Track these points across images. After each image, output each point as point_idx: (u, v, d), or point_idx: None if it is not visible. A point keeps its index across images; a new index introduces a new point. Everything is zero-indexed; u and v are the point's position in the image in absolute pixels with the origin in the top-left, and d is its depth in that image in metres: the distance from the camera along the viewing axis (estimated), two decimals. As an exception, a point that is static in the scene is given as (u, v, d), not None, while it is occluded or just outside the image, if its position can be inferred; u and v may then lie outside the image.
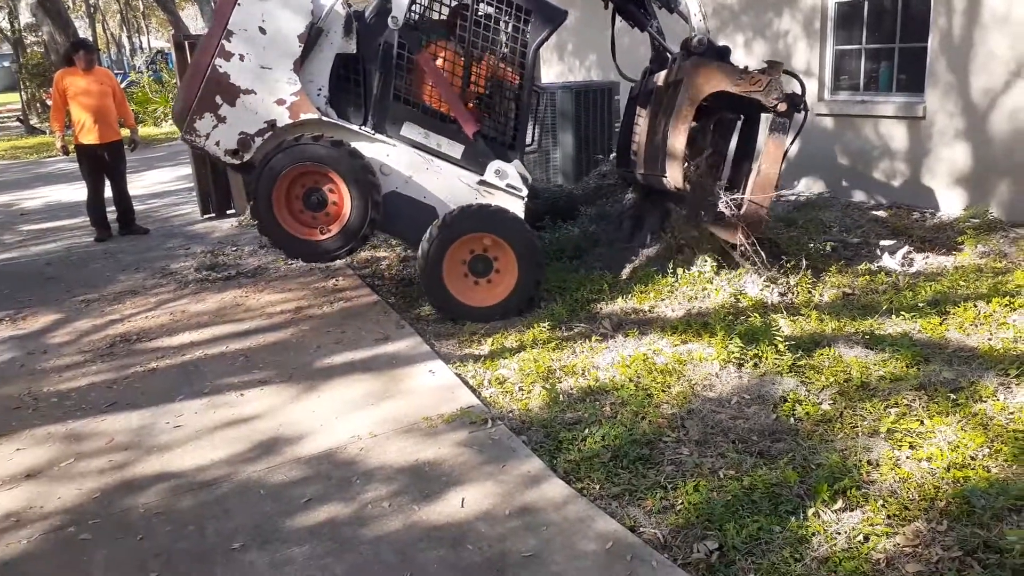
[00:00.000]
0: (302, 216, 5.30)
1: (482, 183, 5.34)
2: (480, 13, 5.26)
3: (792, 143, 5.40)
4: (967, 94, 6.54)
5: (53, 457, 3.86)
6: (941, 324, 4.47)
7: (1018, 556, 2.47)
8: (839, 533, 2.85)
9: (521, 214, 5.31)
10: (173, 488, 3.50)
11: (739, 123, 6.03)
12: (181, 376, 4.71)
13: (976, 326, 4.42)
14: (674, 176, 5.35)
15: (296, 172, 5.15)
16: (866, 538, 2.81)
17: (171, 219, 9.45)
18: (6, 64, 46.97)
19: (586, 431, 3.71)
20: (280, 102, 5.19)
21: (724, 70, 5.22)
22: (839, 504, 3.01)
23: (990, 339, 4.25)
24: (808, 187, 8.03)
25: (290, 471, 3.57)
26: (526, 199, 5.34)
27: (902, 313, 4.63)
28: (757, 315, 4.70)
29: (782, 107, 5.06)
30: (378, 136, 5.33)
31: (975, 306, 4.62)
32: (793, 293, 5.14)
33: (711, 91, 5.26)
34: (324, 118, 5.25)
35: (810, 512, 2.97)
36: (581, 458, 3.49)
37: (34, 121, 24.25)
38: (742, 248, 5.25)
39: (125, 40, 40.58)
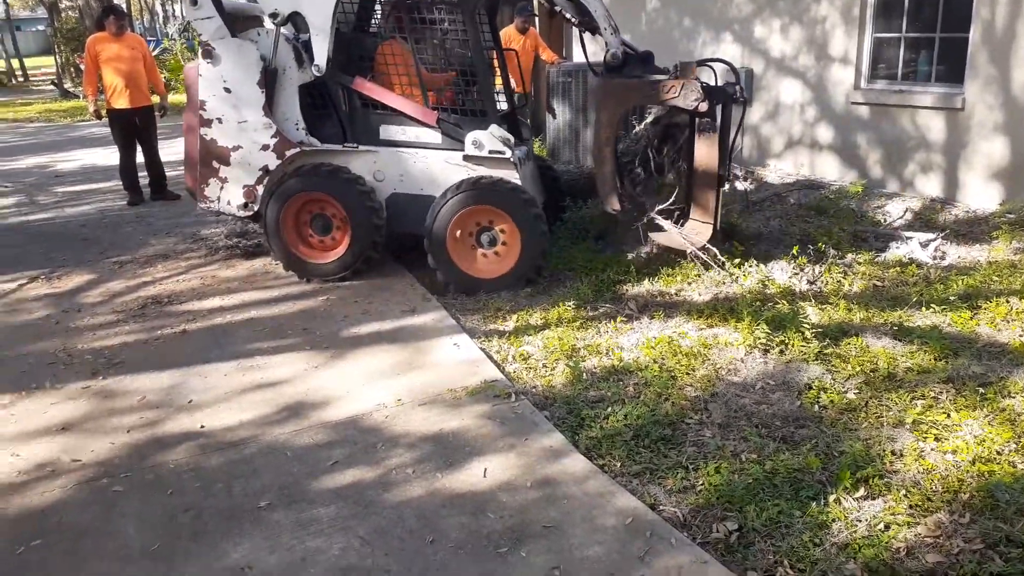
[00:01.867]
0: (309, 239, 5.72)
1: (467, 158, 5.43)
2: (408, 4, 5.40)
3: (737, 132, 5.38)
4: (1008, 87, 6.41)
5: (86, 412, 3.96)
6: (972, 318, 4.43)
7: (1041, 550, 2.47)
8: (860, 520, 2.86)
9: (516, 180, 5.36)
10: (202, 446, 3.58)
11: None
12: (211, 339, 4.79)
13: (1008, 322, 4.37)
14: (608, 201, 5.41)
15: (300, 202, 5.58)
16: (887, 527, 2.81)
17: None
18: (41, 28, 47.45)
19: (609, 409, 3.73)
20: (265, 147, 5.58)
21: (632, 86, 5.20)
22: (861, 492, 3.01)
23: (1021, 336, 4.20)
24: (841, 176, 7.93)
25: (316, 435, 3.63)
26: (515, 160, 5.38)
27: (932, 306, 4.58)
28: (785, 302, 4.68)
29: (703, 107, 5.02)
30: (362, 147, 5.60)
31: (1007, 302, 4.56)
32: (822, 282, 5.10)
33: (625, 109, 5.31)
34: (306, 148, 5.57)
35: (831, 499, 2.98)
36: (603, 435, 3.52)
37: (68, 85, 24.53)
38: (692, 254, 5.32)
39: (158, 7, 40.82)
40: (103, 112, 8.27)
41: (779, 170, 8.54)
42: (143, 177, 8.62)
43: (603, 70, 5.36)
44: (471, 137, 5.37)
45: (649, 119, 5.50)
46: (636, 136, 5.53)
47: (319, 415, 3.82)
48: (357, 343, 4.66)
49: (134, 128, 8.31)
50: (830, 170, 8.10)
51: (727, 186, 5.71)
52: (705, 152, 5.14)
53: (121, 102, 8.09)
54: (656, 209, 5.36)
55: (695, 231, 5.30)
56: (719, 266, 5.26)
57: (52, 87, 25.76)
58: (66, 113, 18.65)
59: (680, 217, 5.42)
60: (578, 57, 11.70)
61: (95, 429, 3.78)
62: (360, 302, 5.32)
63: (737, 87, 5.19)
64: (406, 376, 4.21)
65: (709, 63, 5.53)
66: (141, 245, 6.93)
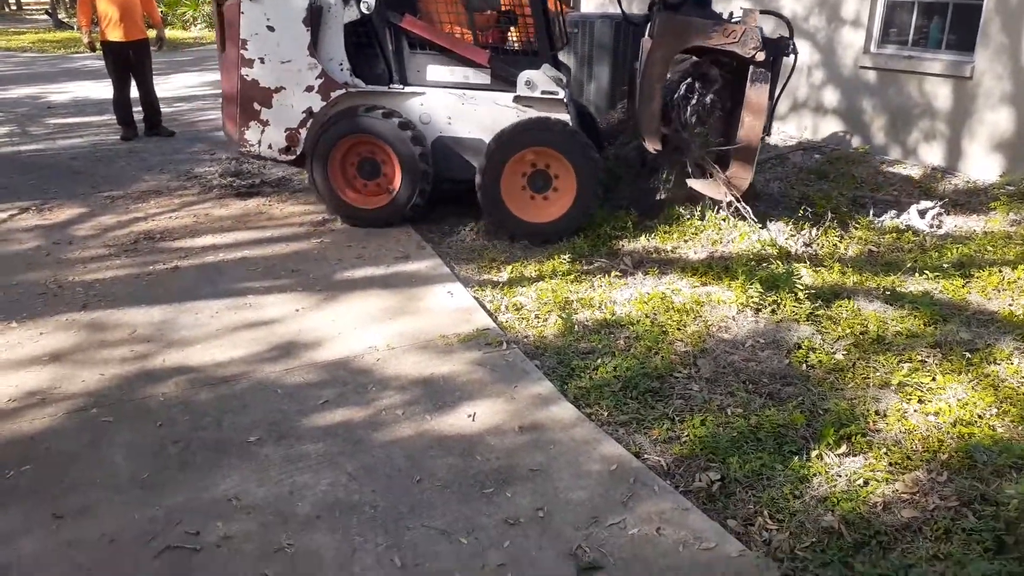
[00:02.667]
0: (356, 183, 5.59)
1: (518, 99, 5.31)
2: None
3: (782, 89, 5.29)
4: (1018, 57, 6.35)
5: (76, 343, 3.96)
6: (964, 286, 4.45)
7: (1013, 510, 2.52)
8: (840, 476, 2.91)
9: (568, 120, 5.27)
10: (192, 381, 3.59)
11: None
12: (203, 276, 4.78)
13: (999, 291, 4.40)
14: (650, 139, 5.32)
15: (347, 144, 5.41)
16: (866, 482, 2.86)
17: (197, 123, 9.42)
18: (36, -44, 46.23)
19: (599, 361, 3.76)
20: (309, 89, 5.39)
21: (694, 25, 5.08)
22: (843, 449, 3.06)
23: (1011, 305, 4.23)
24: (844, 141, 7.88)
25: (307, 374, 3.65)
26: (567, 101, 5.28)
27: (926, 272, 4.60)
28: (779, 263, 4.69)
29: (760, 57, 4.94)
30: (407, 89, 5.43)
31: (1000, 271, 4.58)
32: (818, 244, 5.10)
33: (683, 48, 5.19)
34: (352, 90, 5.40)
35: (813, 454, 3.03)
36: (592, 385, 3.55)
37: (62, 15, 24.03)
38: (728, 204, 5.25)
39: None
40: (97, 44, 8.11)
41: (782, 132, 8.48)
42: (137, 112, 8.49)
43: (661, 6, 5.25)
44: (524, 77, 5.24)
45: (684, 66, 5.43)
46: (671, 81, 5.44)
47: (310, 355, 3.84)
48: (350, 287, 4.66)
49: (128, 61, 8.15)
50: (833, 134, 8.05)
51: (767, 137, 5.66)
52: (755, 102, 5.06)
53: (115, 34, 7.93)
54: (703, 153, 5.27)
55: (737, 179, 5.23)
56: (752, 220, 5.22)
57: (46, 17, 25.20)
58: (60, 44, 18.30)
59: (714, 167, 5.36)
60: (585, 7, 11.49)
61: (85, 360, 3.78)
62: (354, 246, 5.30)
63: (791, 42, 5.12)
64: (398, 321, 4.21)
65: (768, 14, 5.42)
66: (134, 180, 6.87)
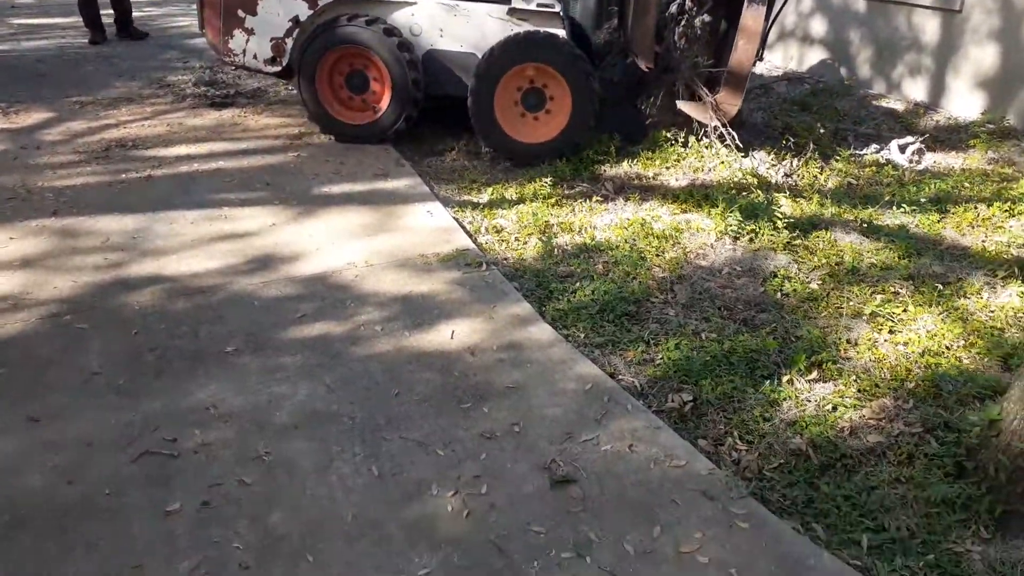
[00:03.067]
0: (344, 97, 5.40)
1: (512, 11, 5.15)
2: None
3: (776, 15, 5.18)
4: (1010, -8, 6.26)
5: (47, 249, 3.88)
6: (939, 221, 4.49)
7: (975, 436, 2.61)
8: (809, 401, 2.98)
9: (563, 34, 5.13)
10: (168, 290, 3.55)
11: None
12: (177, 186, 4.67)
13: (973, 227, 4.45)
14: (643, 56, 5.19)
15: (336, 55, 5.21)
16: (835, 408, 2.94)
17: (168, 30, 9.05)
18: None
19: (577, 284, 3.77)
20: None
21: None
22: (813, 375, 3.12)
23: (984, 241, 4.29)
24: (829, 72, 7.80)
25: (284, 287, 3.62)
26: (563, 15, 5.14)
27: (903, 206, 4.63)
28: (760, 192, 4.69)
29: None
30: None
31: (975, 208, 4.63)
32: (798, 175, 5.10)
33: None
34: None
35: (784, 379, 3.09)
36: (569, 308, 3.57)
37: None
38: (714, 128, 5.20)
39: None
40: None
41: (768, 61, 8.37)
42: (107, 15, 8.12)
43: None
44: None
45: None
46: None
47: (287, 269, 3.80)
48: (327, 202, 4.59)
49: None
50: (820, 64, 7.96)
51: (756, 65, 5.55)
52: (750, 26, 4.94)
53: None
54: (693, 74, 5.18)
55: (726, 104, 5.16)
56: (737, 147, 5.18)
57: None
58: (20, -60, 17.29)
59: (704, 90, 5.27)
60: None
61: (56, 267, 3.72)
62: (331, 161, 5.20)
63: None
64: (377, 238, 4.18)
65: None
66: (103, 87, 6.62)
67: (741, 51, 5.00)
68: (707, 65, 5.27)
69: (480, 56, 5.13)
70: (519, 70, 5.08)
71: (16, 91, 6.33)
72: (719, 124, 5.19)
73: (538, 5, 5.09)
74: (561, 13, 5.12)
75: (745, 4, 4.93)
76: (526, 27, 5.15)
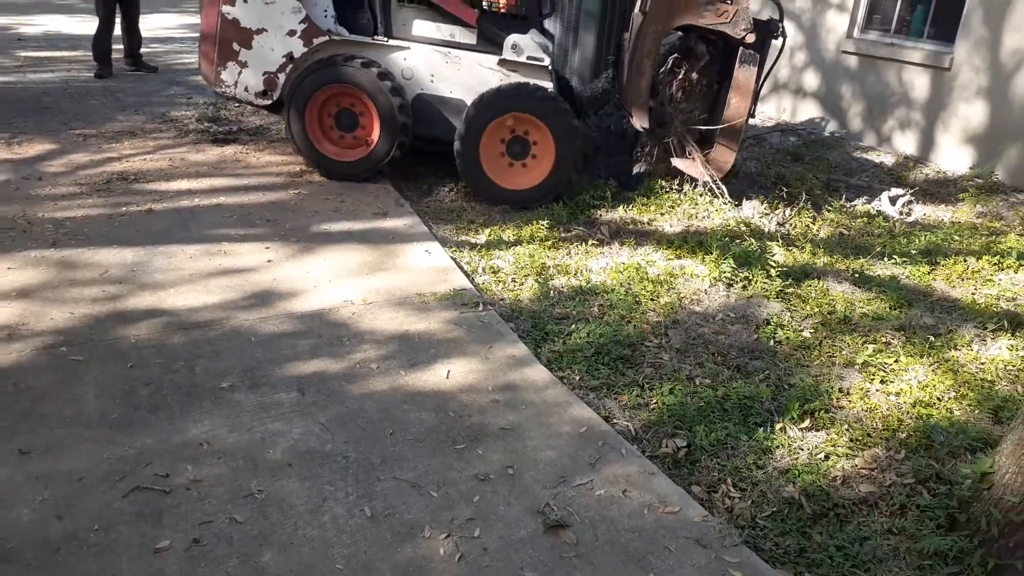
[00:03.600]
0: (333, 135, 5.51)
1: (503, 63, 5.27)
2: None
3: (769, 72, 5.33)
4: (997, 52, 6.44)
5: (46, 280, 3.89)
6: (929, 273, 4.56)
7: (967, 489, 2.62)
8: (802, 449, 3.00)
9: (551, 87, 5.23)
10: (165, 324, 3.56)
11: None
12: (177, 221, 4.71)
13: (963, 280, 4.52)
14: (638, 115, 5.32)
15: (327, 94, 5.33)
16: (827, 456, 2.96)
17: (174, 66, 9.18)
18: None
19: (573, 327, 3.80)
20: (291, 33, 5.31)
21: (689, 3, 5.06)
22: (806, 423, 3.14)
23: (974, 293, 4.35)
24: (821, 125, 7.96)
25: (281, 324, 3.64)
26: (551, 68, 5.26)
27: (894, 257, 4.70)
28: (753, 240, 4.75)
29: (750, 38, 4.97)
30: (391, 42, 5.36)
31: (965, 261, 4.70)
32: (791, 224, 5.18)
33: (675, 25, 5.19)
34: (335, 37, 5.31)
35: (778, 427, 3.11)
36: (565, 350, 3.59)
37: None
38: (704, 184, 5.31)
39: None
40: None
41: (761, 112, 8.53)
42: (115, 51, 8.25)
43: None
44: (511, 40, 5.19)
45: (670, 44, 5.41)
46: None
47: (285, 305, 3.82)
48: (326, 239, 4.62)
49: None
50: (811, 118, 8.12)
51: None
52: (743, 83, 5.07)
53: None
54: (685, 130, 5.28)
55: (718, 161, 5.27)
56: (728, 201, 5.27)
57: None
58: (29, -25, 17.58)
59: (697, 145, 5.37)
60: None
61: (54, 298, 3.72)
62: (331, 199, 5.25)
63: (780, 25, 5.12)
64: (374, 276, 4.21)
65: None
66: (107, 120, 6.69)
67: (734, 108, 5.12)
68: (700, 120, 5.38)
69: (469, 103, 5.24)
70: (505, 119, 5.20)
71: (21, 122, 6.39)
72: (710, 179, 5.28)
73: (528, 58, 5.22)
74: (550, 67, 5.23)
75: (737, 63, 5.06)
76: (516, 78, 5.28)
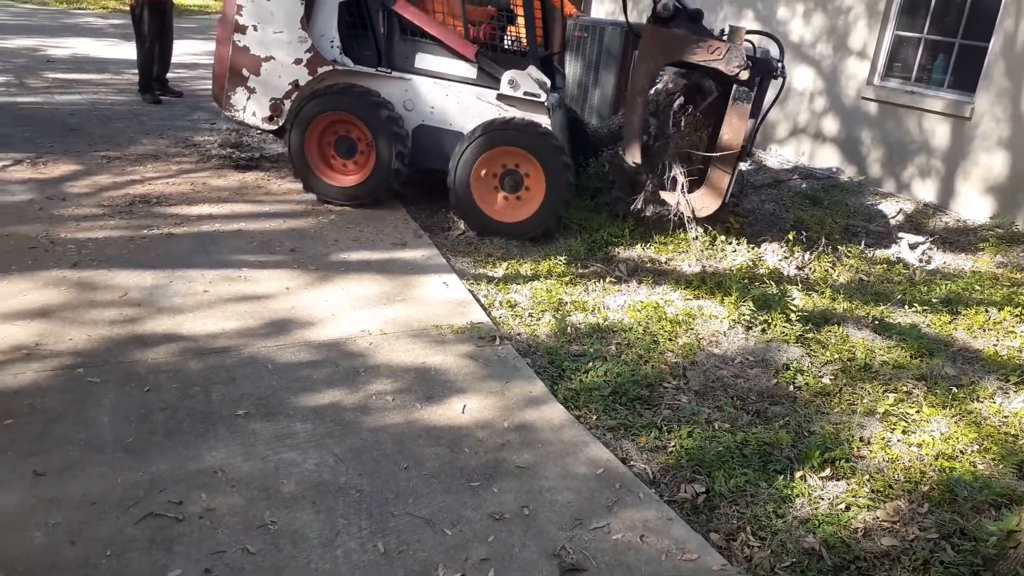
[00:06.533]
0: (331, 161, 5.65)
1: (500, 97, 5.34)
2: None
3: (766, 112, 5.34)
4: (1018, 102, 6.45)
5: (65, 300, 3.90)
6: (951, 323, 4.52)
7: (992, 546, 2.56)
8: (822, 499, 2.94)
9: (547, 124, 5.29)
10: (182, 350, 3.55)
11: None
12: (198, 245, 4.73)
13: (984, 330, 4.47)
14: (630, 151, 5.34)
15: (327, 120, 5.47)
16: (848, 507, 2.90)
17: (198, 92, 9.31)
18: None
19: (590, 364, 3.77)
20: (297, 62, 5.49)
21: (678, 40, 5.09)
22: (827, 472, 3.09)
23: (996, 345, 4.30)
24: (839, 169, 7.96)
25: (298, 352, 3.63)
26: (548, 105, 5.31)
27: (914, 305, 4.66)
28: (772, 283, 4.73)
29: (743, 75, 4.97)
30: (395, 74, 5.50)
31: (986, 311, 4.66)
32: (810, 269, 5.16)
33: (668, 62, 5.24)
34: (339, 67, 5.48)
35: (798, 475, 3.06)
36: (582, 388, 3.56)
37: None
38: (688, 220, 5.34)
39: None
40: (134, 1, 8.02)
41: (779, 155, 8.55)
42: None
43: (651, 19, 5.25)
44: (508, 76, 5.28)
45: (668, 82, 5.44)
46: (657, 93, 5.46)
47: (303, 334, 3.81)
48: (345, 268, 4.63)
49: (164, 20, 8.15)
50: (830, 162, 8.13)
51: (746, 163, 5.67)
52: (734, 123, 5.08)
53: None
54: (674, 172, 5.30)
55: (702, 203, 5.28)
56: (705, 241, 5.26)
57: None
58: (61, -1, 17.98)
59: (693, 183, 5.37)
60: (596, 12, 11.52)
61: (73, 319, 3.73)
62: (351, 229, 5.28)
63: (779, 64, 5.14)
64: (392, 307, 4.20)
65: (758, 33, 5.43)
66: (131, 142, 6.78)
67: (723, 148, 5.10)
68: (699, 157, 5.37)
69: (463, 138, 5.33)
70: (495, 153, 5.24)
71: (47, 142, 6.48)
72: (688, 214, 5.27)
73: (524, 93, 5.29)
74: (547, 104, 5.29)
75: (731, 100, 5.08)
76: (513, 112, 5.34)
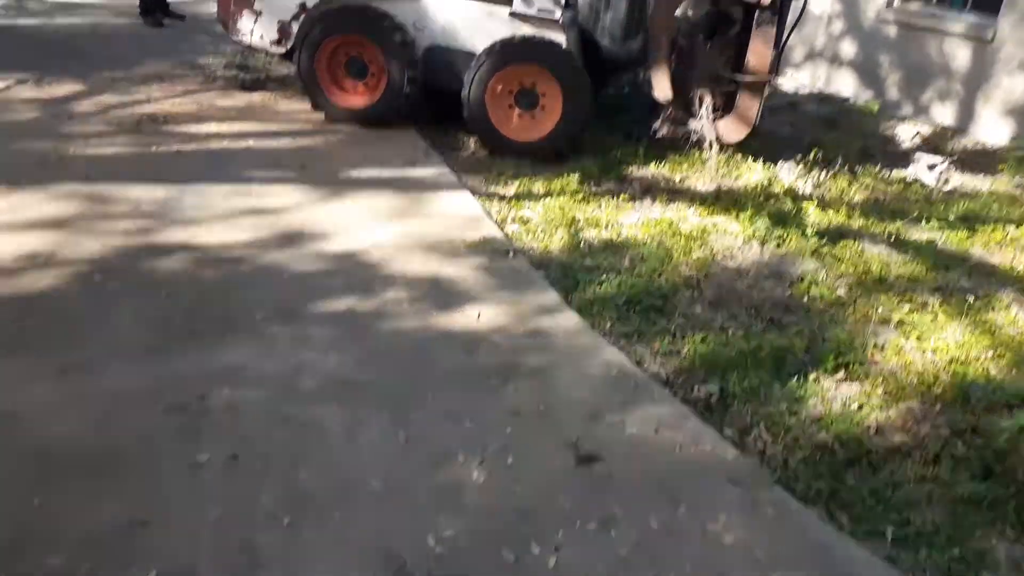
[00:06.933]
0: (342, 82, 5.55)
1: (514, 15, 5.20)
2: None
3: (788, 34, 5.19)
4: (1043, 22, 6.28)
5: (78, 212, 3.90)
6: (967, 239, 4.49)
7: (1004, 441, 2.59)
8: (835, 399, 2.97)
9: (562, 41, 5.17)
10: (198, 259, 3.56)
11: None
12: (207, 161, 4.70)
13: (1001, 246, 4.44)
14: (659, 87, 5.20)
15: (336, 42, 5.35)
16: (860, 407, 2.93)
17: (200, 15, 9.12)
18: None
19: (603, 276, 3.77)
20: None
21: None
22: (840, 375, 3.11)
23: (1013, 260, 4.28)
24: (857, 94, 7.81)
25: (313, 263, 3.64)
26: (563, 22, 5.16)
27: (931, 222, 4.63)
28: (788, 200, 4.69)
29: (766, 1, 4.84)
30: None
31: (1004, 228, 4.62)
32: (826, 188, 5.11)
33: None
34: None
35: (811, 377, 3.08)
36: (595, 298, 3.57)
37: None
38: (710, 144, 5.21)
39: None
40: None
41: (796, 79, 8.38)
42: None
43: None
44: None
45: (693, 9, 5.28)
46: (683, 22, 5.31)
47: (316, 245, 3.81)
48: (356, 185, 4.60)
49: None
50: (847, 86, 7.97)
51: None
52: (760, 48, 4.96)
53: None
54: (703, 99, 5.18)
55: (730, 130, 5.17)
56: (721, 160, 5.19)
57: None
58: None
59: (722, 107, 5.26)
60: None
61: (88, 229, 3.73)
62: (361, 147, 5.22)
63: None
64: (404, 222, 4.19)
65: None
66: (135, 64, 6.66)
67: (750, 73, 4.98)
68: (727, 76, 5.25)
69: (478, 54, 5.20)
70: (511, 70, 5.13)
71: (49, 64, 6.37)
72: (713, 140, 5.17)
73: (539, 11, 5.15)
74: (562, 21, 5.15)
75: (754, 26, 4.94)
76: (526, 30, 5.20)
